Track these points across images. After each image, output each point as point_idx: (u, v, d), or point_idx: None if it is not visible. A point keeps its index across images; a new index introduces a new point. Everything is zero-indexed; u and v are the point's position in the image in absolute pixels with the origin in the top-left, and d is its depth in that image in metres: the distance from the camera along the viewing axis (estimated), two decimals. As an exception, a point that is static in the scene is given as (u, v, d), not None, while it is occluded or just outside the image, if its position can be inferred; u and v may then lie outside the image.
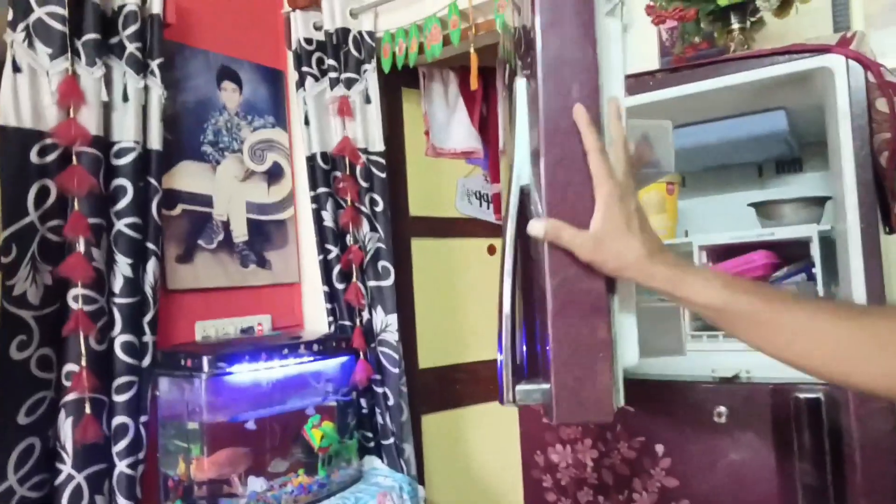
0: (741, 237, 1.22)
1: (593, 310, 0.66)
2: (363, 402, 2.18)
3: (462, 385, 2.54)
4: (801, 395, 0.96)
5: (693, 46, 1.46)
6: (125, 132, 1.77)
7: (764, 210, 1.33)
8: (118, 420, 1.71)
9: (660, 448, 1.08)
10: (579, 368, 0.66)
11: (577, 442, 1.15)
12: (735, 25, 1.27)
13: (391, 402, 2.11)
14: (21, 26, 1.58)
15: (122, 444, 1.71)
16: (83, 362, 1.61)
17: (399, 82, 2.37)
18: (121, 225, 1.75)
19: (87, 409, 1.60)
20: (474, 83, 1.99)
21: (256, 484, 1.81)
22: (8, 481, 1.59)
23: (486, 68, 2.56)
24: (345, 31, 2.13)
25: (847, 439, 0.95)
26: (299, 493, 1.87)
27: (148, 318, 1.79)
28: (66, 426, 1.63)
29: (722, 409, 1.04)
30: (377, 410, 2.16)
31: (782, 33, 1.33)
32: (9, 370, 1.58)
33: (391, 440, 2.13)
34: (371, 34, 2.16)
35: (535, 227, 0.67)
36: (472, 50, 1.98)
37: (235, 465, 1.80)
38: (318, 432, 1.94)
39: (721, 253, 1.27)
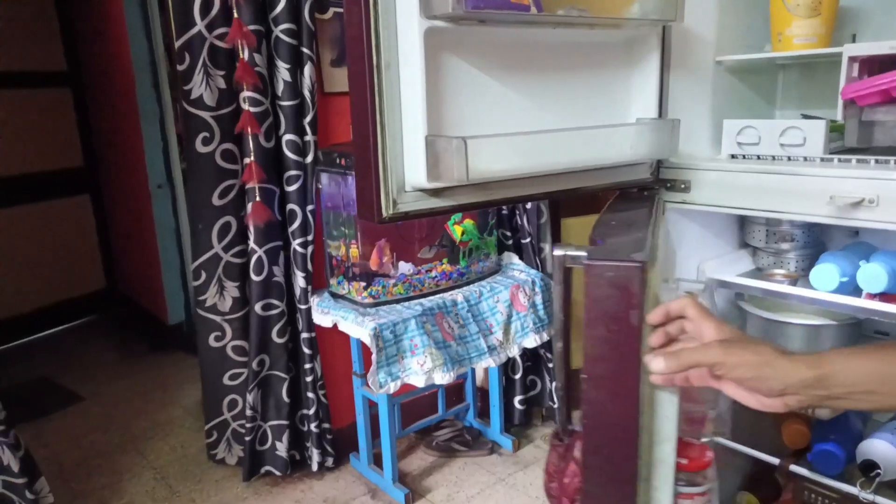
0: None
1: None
2: (504, 202, 2.29)
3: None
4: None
5: None
6: (275, -64, 1.83)
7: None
8: (290, 207, 2.01)
9: None
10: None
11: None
12: None
13: (528, 204, 2.20)
14: None
15: (294, 226, 2.02)
16: (252, 157, 1.88)
17: None
18: (278, 31, 1.88)
19: (257, 197, 1.90)
20: None
21: (406, 268, 2.06)
22: (214, 249, 2.00)
23: None
24: None
25: None
26: (441, 279, 2.11)
27: (308, 119, 1.98)
28: (248, 209, 1.96)
29: None
30: (517, 212, 2.27)
31: None
32: (197, 161, 1.90)
33: (528, 239, 2.26)
34: None
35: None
36: None
37: (382, 255, 2.05)
38: (459, 228, 2.12)
39: (878, 65, 1.09)
